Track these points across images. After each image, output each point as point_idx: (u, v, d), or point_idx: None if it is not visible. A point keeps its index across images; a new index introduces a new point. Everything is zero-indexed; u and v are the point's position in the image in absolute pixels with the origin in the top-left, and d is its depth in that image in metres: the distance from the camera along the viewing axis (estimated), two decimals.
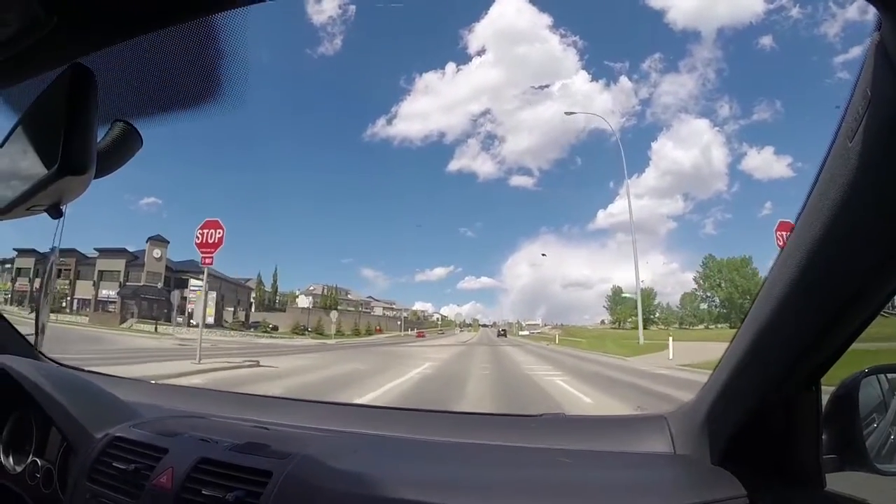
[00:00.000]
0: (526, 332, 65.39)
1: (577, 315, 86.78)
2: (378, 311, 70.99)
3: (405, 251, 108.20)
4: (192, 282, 43.50)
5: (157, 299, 43.31)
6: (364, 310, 68.27)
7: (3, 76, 0.70)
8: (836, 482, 1.10)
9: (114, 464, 1.36)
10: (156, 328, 34.98)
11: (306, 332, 49.62)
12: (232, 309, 49.94)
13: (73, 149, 0.61)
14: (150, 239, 45.23)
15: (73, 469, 1.43)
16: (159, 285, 43.83)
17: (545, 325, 72.59)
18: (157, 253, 44.56)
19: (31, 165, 0.66)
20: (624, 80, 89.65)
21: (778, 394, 1.09)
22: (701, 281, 58.83)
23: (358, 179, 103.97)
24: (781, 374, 1.05)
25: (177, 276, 44.95)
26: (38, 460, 1.56)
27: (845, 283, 0.82)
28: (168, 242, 46.30)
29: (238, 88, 0.81)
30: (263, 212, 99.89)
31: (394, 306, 72.89)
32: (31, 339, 2.19)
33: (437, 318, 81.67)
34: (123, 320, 40.10)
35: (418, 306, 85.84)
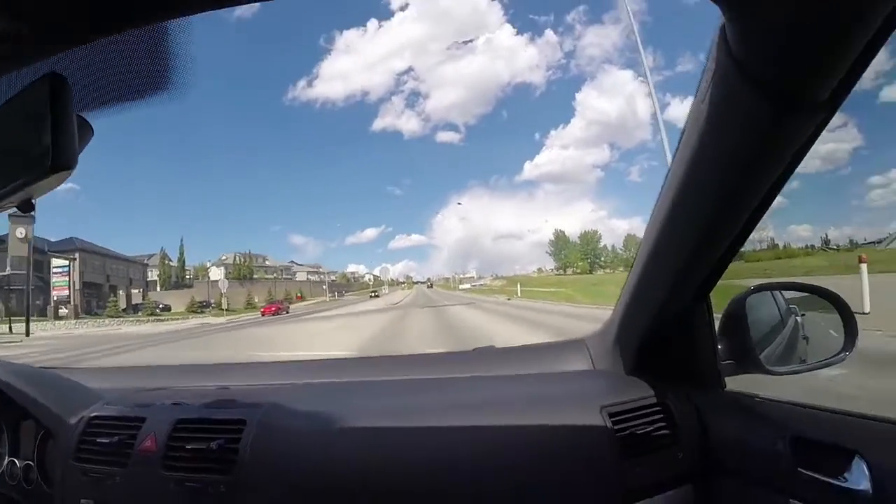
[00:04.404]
0: (467, 286, 63.65)
1: (508, 266, 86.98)
2: (301, 276, 66.68)
3: (334, 215, 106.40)
4: (55, 262, 37.39)
5: (24, 289, 36.69)
6: (285, 276, 63.49)
7: None
8: (734, 383, 1.31)
9: (98, 440, 1.45)
10: (10, 328, 28.66)
11: (205, 310, 44.05)
12: (122, 291, 43.76)
13: (62, 147, 0.68)
14: (10, 216, 37.24)
15: (58, 455, 1.52)
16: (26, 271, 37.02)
17: (486, 277, 70.79)
18: (20, 232, 37.13)
19: (17, 165, 0.74)
20: (549, 32, 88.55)
21: (672, 309, 1.29)
22: None
23: (281, 144, 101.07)
24: (671, 291, 1.25)
25: (49, 259, 38.46)
26: (14, 460, 1.63)
27: (707, 210, 1.03)
28: (33, 219, 39.05)
29: (182, 78, 0.87)
30: (179, 184, 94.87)
31: (319, 270, 68.64)
32: None
33: (370, 279, 78.29)
34: None
35: (351, 269, 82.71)
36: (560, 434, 1.28)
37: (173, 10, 0.73)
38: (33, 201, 0.78)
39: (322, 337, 16.06)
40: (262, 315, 38.29)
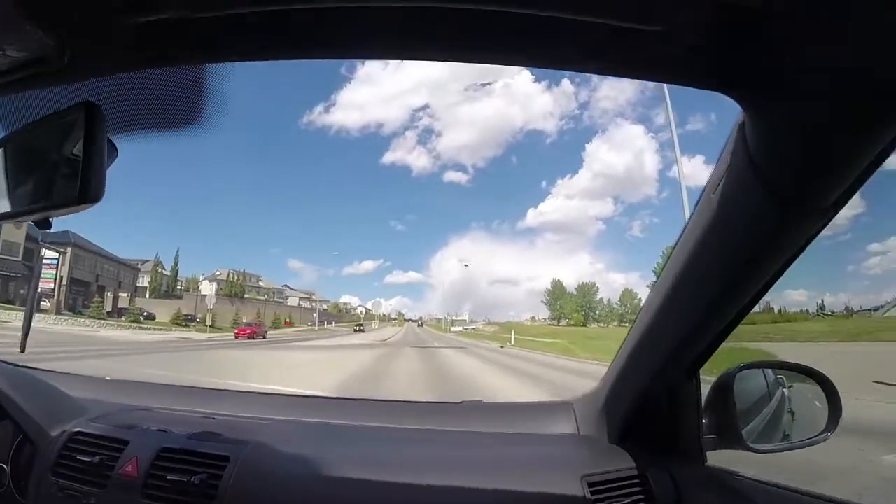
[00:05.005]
0: (458, 329, 62.39)
1: (502, 311, 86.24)
2: (293, 301, 65.54)
3: (334, 243, 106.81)
4: (46, 253, 36.91)
5: (13, 276, 36.30)
6: (277, 299, 62.77)
7: (5, 91, 0.79)
8: (716, 458, 1.33)
9: (78, 457, 1.45)
10: None
11: (190, 324, 42.99)
12: (110, 293, 43.16)
13: (91, 182, 0.71)
14: None
15: (36, 465, 1.51)
16: (18, 259, 36.67)
17: (479, 321, 70.08)
18: None
19: (44, 188, 0.78)
20: (566, 82, 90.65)
21: (662, 383, 1.33)
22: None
23: (290, 167, 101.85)
24: (664, 365, 1.28)
25: (40, 249, 38.03)
26: None
27: (707, 294, 1.06)
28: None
29: (211, 115, 0.92)
30: (183, 195, 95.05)
31: (312, 297, 67.73)
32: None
33: (362, 311, 77.47)
34: None
35: (344, 299, 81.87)
36: (538, 501, 1.31)
37: (212, 55, 0.78)
38: (51, 220, 0.80)
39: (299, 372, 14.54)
40: (236, 338, 34.16)
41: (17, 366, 2.05)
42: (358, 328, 56.97)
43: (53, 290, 37.64)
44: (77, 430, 1.55)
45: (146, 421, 1.62)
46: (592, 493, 1.29)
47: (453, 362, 19.34)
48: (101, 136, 0.72)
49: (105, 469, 1.42)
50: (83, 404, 1.78)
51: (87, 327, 32.53)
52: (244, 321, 45.76)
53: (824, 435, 1.34)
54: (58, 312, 35.50)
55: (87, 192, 0.70)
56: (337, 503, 1.34)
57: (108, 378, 2.49)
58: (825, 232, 0.87)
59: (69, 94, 0.78)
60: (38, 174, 0.80)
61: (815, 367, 1.42)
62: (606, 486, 1.32)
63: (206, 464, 1.38)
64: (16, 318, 27.97)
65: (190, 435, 1.51)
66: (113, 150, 0.78)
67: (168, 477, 1.35)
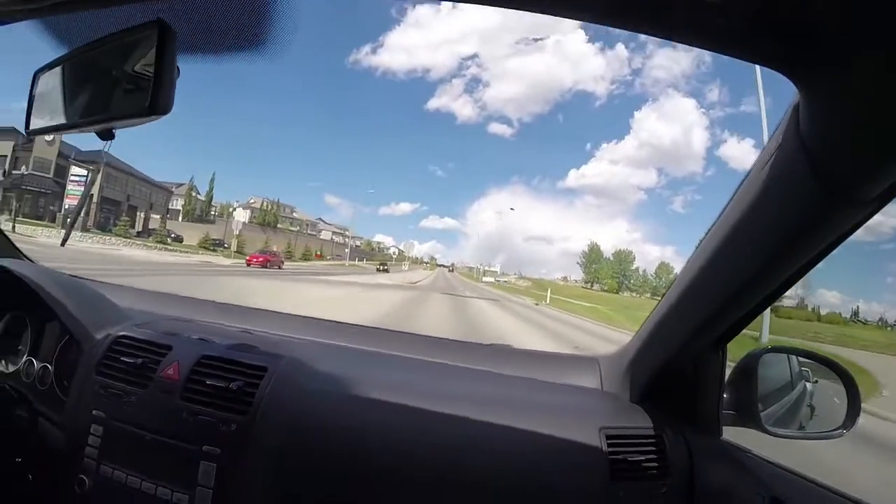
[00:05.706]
0: (490, 279, 61.46)
1: (534, 268, 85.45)
2: (326, 235, 65.21)
3: (372, 182, 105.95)
4: (74, 170, 36.27)
5: (43, 192, 35.93)
6: (310, 232, 62.20)
7: (77, 7, 0.84)
8: (731, 433, 1.32)
9: (122, 358, 1.47)
10: (13, 227, 27.51)
11: (217, 248, 42.93)
12: (142, 214, 43.14)
13: (160, 95, 0.75)
14: None
15: (80, 365, 1.53)
16: (49, 175, 36.16)
17: (510, 275, 69.00)
18: (48, 135, 36.44)
19: (114, 99, 0.83)
20: (620, 46, 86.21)
21: (689, 352, 1.30)
22: None
23: (335, 103, 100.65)
24: (692, 335, 1.25)
25: (70, 166, 37.47)
26: (33, 359, 1.64)
27: (743, 271, 1.03)
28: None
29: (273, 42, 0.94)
30: (226, 120, 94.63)
31: (345, 233, 67.12)
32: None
33: (394, 252, 76.86)
34: None
35: (378, 238, 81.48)
36: (556, 445, 1.30)
37: None
38: (114, 131, 0.84)
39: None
40: (248, 265, 32.43)
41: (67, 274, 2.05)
42: (381, 268, 51.54)
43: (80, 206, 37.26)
44: (122, 333, 1.55)
45: (188, 331, 1.61)
46: (609, 445, 1.29)
47: (489, 317, 17.97)
48: (171, 52, 0.74)
49: (147, 371, 1.43)
50: (128, 312, 1.77)
51: (111, 245, 32.21)
52: (274, 250, 45.02)
53: (840, 431, 1.28)
54: (84, 229, 35.05)
55: (156, 103, 0.74)
56: (364, 421, 1.33)
57: (151, 290, 2.45)
58: (869, 237, 0.71)
59: (134, 14, 0.81)
60: (106, 86, 0.83)
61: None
62: (623, 441, 1.31)
63: (244, 373, 1.38)
64: (41, 233, 27.48)
65: (230, 345, 1.51)
66: (177, 69, 0.79)
67: (207, 382, 1.36)
